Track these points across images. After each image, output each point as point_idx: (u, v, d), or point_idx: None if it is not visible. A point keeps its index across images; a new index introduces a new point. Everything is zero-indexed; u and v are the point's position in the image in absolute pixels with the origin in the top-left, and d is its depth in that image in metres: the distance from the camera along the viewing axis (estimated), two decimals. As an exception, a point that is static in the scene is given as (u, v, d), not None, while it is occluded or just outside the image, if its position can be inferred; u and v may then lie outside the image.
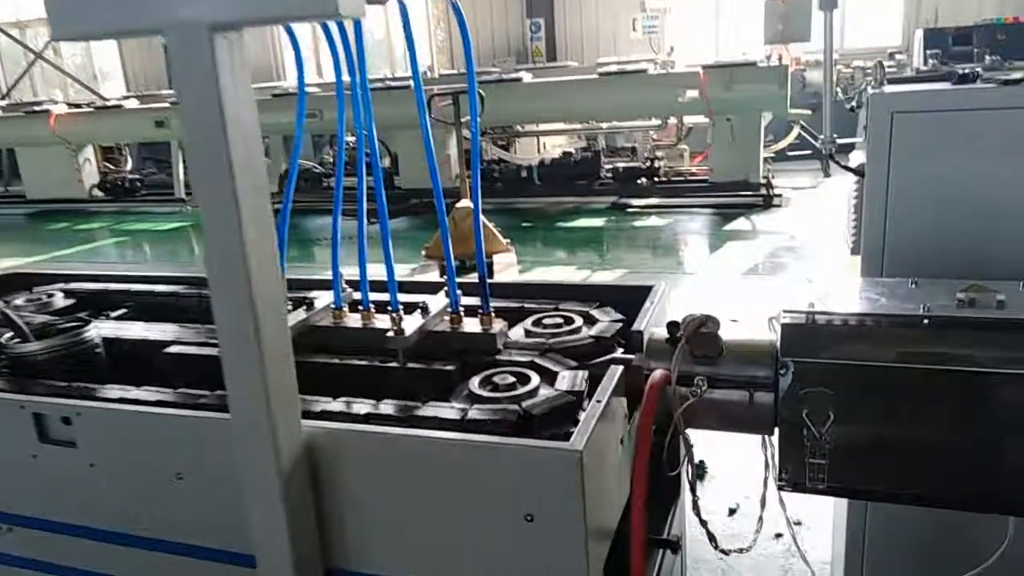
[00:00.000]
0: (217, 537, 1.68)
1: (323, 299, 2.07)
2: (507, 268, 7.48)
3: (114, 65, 20.43)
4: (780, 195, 10.48)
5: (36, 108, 13.33)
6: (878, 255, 2.22)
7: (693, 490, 1.60)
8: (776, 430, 1.67)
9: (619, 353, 1.85)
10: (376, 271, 2.01)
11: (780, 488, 1.63)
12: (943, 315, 1.53)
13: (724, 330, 1.70)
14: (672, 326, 1.69)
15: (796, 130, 11.32)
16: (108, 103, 13.70)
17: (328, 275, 2.07)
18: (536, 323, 2.03)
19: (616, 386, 1.62)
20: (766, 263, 8.04)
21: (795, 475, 1.58)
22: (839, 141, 2.32)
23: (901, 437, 1.54)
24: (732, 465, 3.69)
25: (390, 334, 1.80)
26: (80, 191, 13.21)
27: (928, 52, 8.82)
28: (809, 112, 10.82)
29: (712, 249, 8.99)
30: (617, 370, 1.67)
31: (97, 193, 13.40)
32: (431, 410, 1.61)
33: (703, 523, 1.69)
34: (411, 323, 1.84)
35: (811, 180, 11.51)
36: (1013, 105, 2.02)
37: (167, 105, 12.46)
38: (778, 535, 3.24)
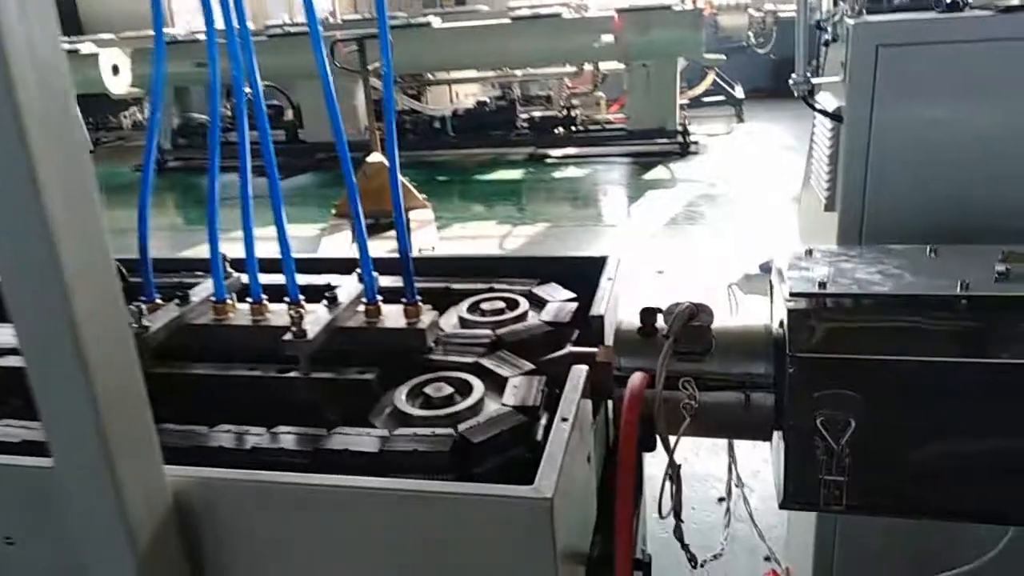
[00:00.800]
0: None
1: (205, 288, 1.64)
2: (424, 225, 7.02)
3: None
4: (696, 142, 10.41)
5: None
6: (857, 211, 1.95)
7: (678, 515, 1.29)
8: (775, 436, 1.36)
9: (574, 347, 1.50)
10: (269, 248, 1.60)
11: (784, 508, 1.33)
12: (984, 294, 1.23)
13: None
14: (647, 314, 1.34)
15: (711, 76, 11.20)
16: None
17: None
18: (473, 308, 1.65)
19: (582, 394, 1.28)
20: (687, 212, 7.92)
21: (805, 494, 1.27)
22: (813, 81, 2.03)
23: (948, 448, 1.25)
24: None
25: (288, 337, 1.40)
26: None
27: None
28: (724, 57, 10.71)
29: (632, 200, 8.83)
30: (582, 372, 1.32)
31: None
32: (342, 439, 1.22)
33: (684, 547, 1.39)
34: (315, 320, 1.43)
35: (725, 126, 11.48)
36: (1015, 36, 1.75)
37: None
38: (721, 499, 3.11)
